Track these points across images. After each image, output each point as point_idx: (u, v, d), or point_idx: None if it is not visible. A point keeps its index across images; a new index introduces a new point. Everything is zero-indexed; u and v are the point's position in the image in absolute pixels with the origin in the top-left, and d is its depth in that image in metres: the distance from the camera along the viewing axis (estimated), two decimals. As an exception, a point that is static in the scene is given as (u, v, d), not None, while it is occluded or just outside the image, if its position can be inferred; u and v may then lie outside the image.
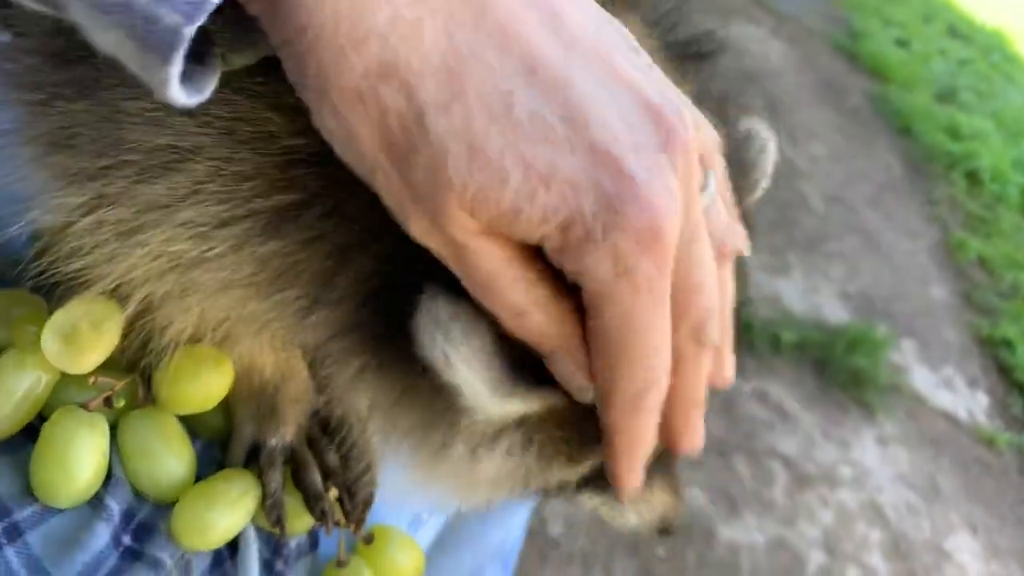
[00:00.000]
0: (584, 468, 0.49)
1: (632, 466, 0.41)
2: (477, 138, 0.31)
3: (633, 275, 0.33)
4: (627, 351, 0.36)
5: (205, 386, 0.52)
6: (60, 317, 0.46)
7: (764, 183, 0.54)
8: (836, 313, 2.71)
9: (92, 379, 0.50)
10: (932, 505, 2.26)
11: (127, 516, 0.51)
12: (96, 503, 0.50)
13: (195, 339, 0.47)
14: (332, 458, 0.59)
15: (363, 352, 0.43)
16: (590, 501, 0.56)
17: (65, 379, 0.51)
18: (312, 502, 0.56)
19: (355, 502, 0.58)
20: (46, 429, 0.49)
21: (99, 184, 0.40)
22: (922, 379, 2.66)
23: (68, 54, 0.39)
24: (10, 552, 0.46)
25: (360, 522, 0.59)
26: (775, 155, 0.54)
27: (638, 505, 0.56)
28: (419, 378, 0.41)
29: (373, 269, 0.40)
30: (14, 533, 0.47)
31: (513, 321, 0.36)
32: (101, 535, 0.49)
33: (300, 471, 0.58)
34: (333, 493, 0.58)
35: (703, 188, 0.38)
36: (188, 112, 0.37)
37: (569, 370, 0.38)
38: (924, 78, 4.77)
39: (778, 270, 2.80)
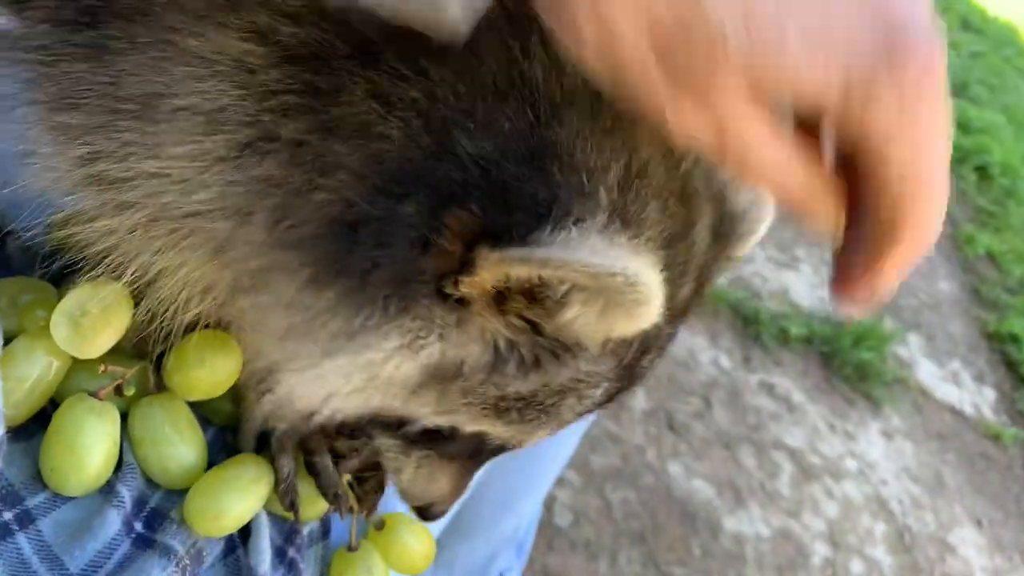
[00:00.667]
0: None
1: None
2: (753, 7, 0.32)
3: (916, 111, 0.34)
4: (919, 186, 0.36)
5: (213, 371, 0.52)
6: (69, 301, 0.46)
7: (739, 259, 0.55)
8: (843, 306, 2.70)
9: (102, 367, 0.50)
10: (937, 498, 2.25)
11: (139, 503, 0.51)
12: (108, 490, 0.50)
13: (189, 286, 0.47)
14: (343, 443, 0.59)
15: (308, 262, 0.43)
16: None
17: (77, 367, 0.51)
18: (325, 486, 0.56)
19: (367, 487, 0.59)
20: (56, 417, 0.49)
21: (97, 137, 0.42)
22: (928, 373, 2.65)
23: (77, 21, 0.41)
24: (22, 539, 0.46)
25: (372, 507, 0.59)
26: (760, 236, 0.55)
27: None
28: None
29: (341, 192, 0.41)
30: (26, 520, 0.47)
31: (772, 182, 0.37)
32: (113, 522, 0.49)
33: (312, 456, 0.57)
34: (346, 478, 0.58)
35: None
36: (187, 63, 0.39)
37: (824, 221, 0.39)
38: (935, 71, 4.73)
39: (786, 264, 2.79)
